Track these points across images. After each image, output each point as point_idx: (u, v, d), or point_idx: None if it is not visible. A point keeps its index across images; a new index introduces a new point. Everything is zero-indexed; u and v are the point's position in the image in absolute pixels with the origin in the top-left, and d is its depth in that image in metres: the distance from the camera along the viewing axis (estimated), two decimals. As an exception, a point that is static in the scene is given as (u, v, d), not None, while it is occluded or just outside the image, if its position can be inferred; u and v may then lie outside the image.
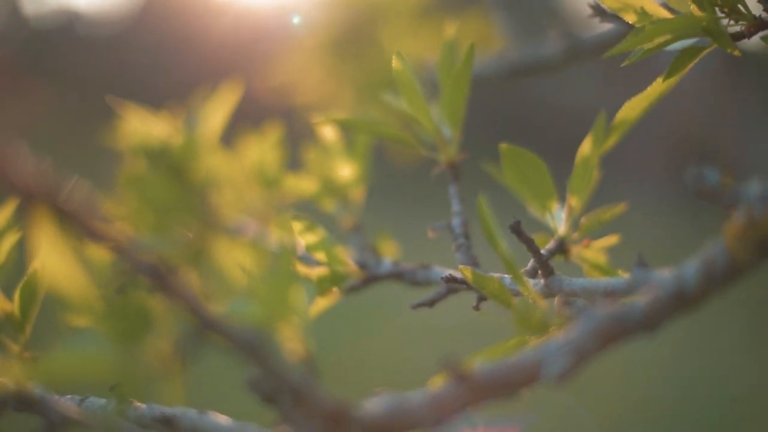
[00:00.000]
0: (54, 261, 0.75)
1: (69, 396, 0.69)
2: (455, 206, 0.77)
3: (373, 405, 0.53)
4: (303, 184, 0.82)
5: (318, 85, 1.40)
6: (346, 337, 3.32)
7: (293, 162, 0.92)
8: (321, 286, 0.75)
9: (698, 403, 3.23)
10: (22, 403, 0.70)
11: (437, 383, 0.56)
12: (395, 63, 0.74)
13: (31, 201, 0.70)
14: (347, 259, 0.76)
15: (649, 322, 0.58)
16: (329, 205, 0.83)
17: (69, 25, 8.20)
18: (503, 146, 0.74)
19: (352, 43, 1.39)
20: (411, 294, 0.77)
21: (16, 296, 0.76)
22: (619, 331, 0.58)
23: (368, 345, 3.55)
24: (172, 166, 0.87)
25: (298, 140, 0.95)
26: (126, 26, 8.00)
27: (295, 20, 1.60)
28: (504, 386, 0.57)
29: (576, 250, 0.79)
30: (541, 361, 0.57)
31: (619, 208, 0.79)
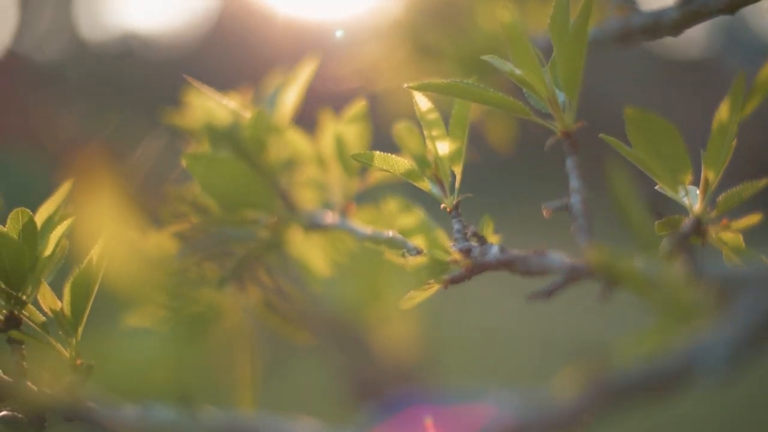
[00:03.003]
0: (113, 250, 0.69)
1: (127, 404, 0.62)
2: (573, 182, 0.69)
3: (499, 410, 0.45)
4: (393, 161, 0.75)
5: (403, 65, 1.32)
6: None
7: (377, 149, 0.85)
8: (418, 277, 0.67)
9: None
10: (75, 414, 0.64)
11: (568, 384, 0.49)
12: (505, 16, 0.65)
13: (92, 178, 0.64)
14: (449, 245, 0.68)
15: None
16: (424, 185, 0.75)
17: (129, 50, 8.41)
18: (629, 110, 0.66)
19: (442, 19, 1.31)
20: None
21: (66, 292, 0.69)
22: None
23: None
24: (241, 146, 0.80)
25: (381, 127, 0.88)
26: (192, 49, 8.13)
27: (338, 34, 1.55)
28: (652, 389, 0.49)
29: (713, 231, 0.70)
30: (696, 360, 0.49)
31: (763, 183, 0.71)
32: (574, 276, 0.64)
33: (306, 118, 0.89)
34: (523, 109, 0.69)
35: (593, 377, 0.49)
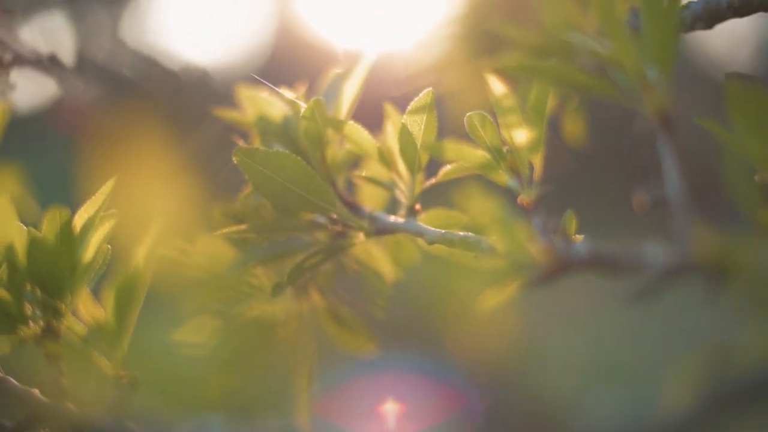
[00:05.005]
0: (161, 253, 0.65)
1: (177, 420, 0.56)
2: (670, 170, 0.62)
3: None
4: (465, 152, 0.69)
5: (468, 62, 1.27)
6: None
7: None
8: (496, 277, 0.61)
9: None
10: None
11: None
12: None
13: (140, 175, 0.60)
14: (530, 241, 0.62)
15: None
16: (499, 178, 0.69)
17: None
18: (731, 84, 0.60)
19: (508, 9, 1.26)
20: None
21: (110, 299, 0.64)
22: None
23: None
24: (296, 141, 0.75)
25: (446, 132, 0.82)
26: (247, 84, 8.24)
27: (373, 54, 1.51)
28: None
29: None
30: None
31: None
32: (675, 272, 0.58)
33: (363, 124, 0.84)
34: (610, 88, 0.64)
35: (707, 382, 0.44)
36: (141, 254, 0.65)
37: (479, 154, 0.70)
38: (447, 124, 0.98)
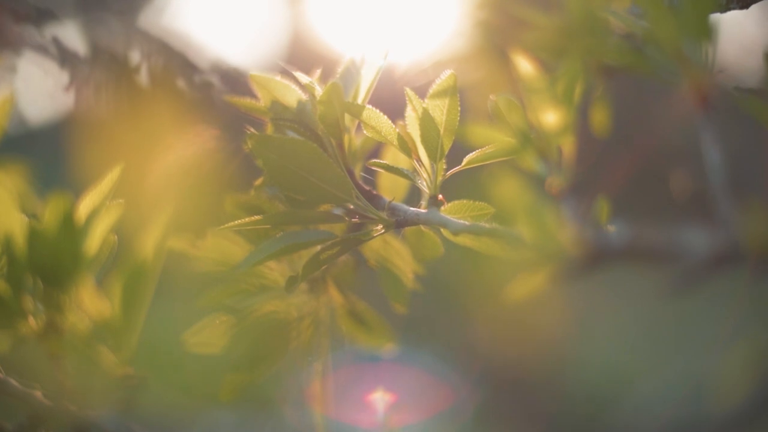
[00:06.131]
0: (172, 245, 0.62)
1: (188, 420, 0.53)
2: (712, 156, 0.59)
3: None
4: (492, 135, 0.66)
5: (487, 55, 1.24)
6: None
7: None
8: (525, 268, 0.58)
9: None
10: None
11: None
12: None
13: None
14: (562, 229, 0.58)
15: None
16: (527, 162, 0.66)
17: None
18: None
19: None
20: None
21: (117, 292, 0.60)
22: None
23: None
24: (312, 127, 0.72)
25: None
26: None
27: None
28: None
29: None
30: None
31: None
32: (721, 261, 0.54)
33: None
34: (646, 65, 0.61)
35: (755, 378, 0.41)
36: (149, 245, 0.62)
37: (506, 139, 0.67)
38: (469, 118, 0.96)
